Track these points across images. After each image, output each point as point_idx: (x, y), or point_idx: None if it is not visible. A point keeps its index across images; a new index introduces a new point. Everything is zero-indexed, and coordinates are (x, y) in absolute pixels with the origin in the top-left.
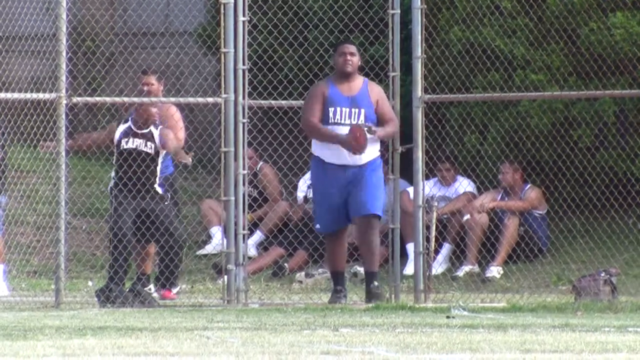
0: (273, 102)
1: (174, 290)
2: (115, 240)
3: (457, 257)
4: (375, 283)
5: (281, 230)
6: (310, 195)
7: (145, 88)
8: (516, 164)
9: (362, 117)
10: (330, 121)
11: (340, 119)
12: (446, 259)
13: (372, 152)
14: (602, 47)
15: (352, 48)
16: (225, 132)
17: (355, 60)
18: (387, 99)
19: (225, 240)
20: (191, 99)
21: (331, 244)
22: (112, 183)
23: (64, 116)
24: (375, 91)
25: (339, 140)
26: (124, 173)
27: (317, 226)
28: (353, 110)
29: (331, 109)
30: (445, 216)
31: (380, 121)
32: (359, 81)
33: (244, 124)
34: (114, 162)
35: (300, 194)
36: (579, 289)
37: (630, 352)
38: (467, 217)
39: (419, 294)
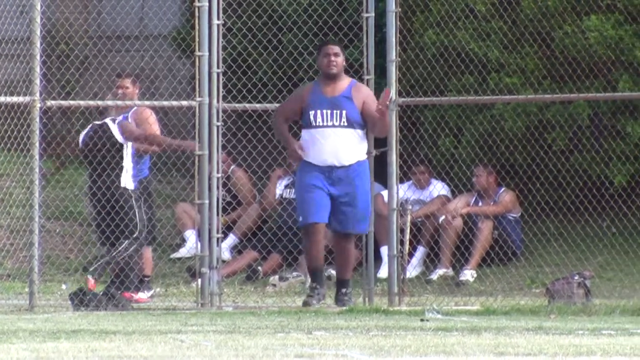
0: (247, 105)
1: (148, 294)
2: (138, 245)
3: (432, 261)
4: (344, 290)
5: (255, 234)
6: (286, 195)
7: (120, 91)
8: (490, 167)
9: (344, 119)
10: (312, 124)
11: (322, 122)
12: (420, 262)
13: (358, 153)
14: (577, 51)
15: (336, 48)
16: (199, 135)
17: (340, 60)
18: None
19: (199, 244)
20: (166, 103)
21: (307, 239)
22: (135, 182)
23: (38, 119)
24: (362, 93)
25: (286, 144)
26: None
27: (300, 219)
28: (334, 112)
29: (311, 112)
30: (419, 219)
31: (370, 123)
32: (344, 82)
33: (218, 127)
34: (131, 161)
35: (276, 192)
36: (552, 292)
37: (604, 354)
38: (442, 217)
39: (393, 297)
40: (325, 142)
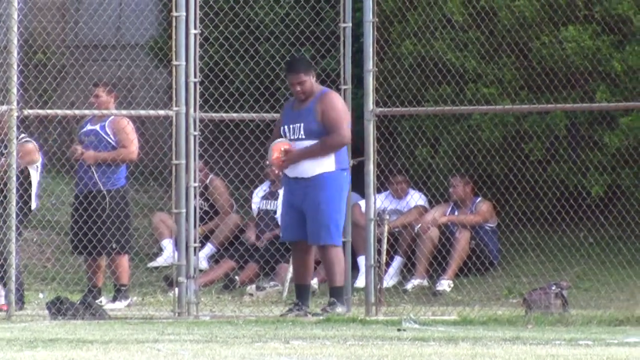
0: (224, 114)
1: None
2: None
3: (409, 270)
4: (331, 300)
5: (232, 243)
6: (263, 206)
7: (93, 100)
8: (467, 177)
9: (301, 131)
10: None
11: (288, 136)
12: (397, 272)
13: (321, 165)
14: (554, 61)
15: (299, 77)
16: (176, 144)
17: (307, 86)
18: (336, 108)
19: (176, 253)
20: (143, 112)
21: (293, 254)
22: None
23: (15, 128)
24: (323, 103)
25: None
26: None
27: (281, 235)
28: (295, 125)
29: (282, 128)
30: (396, 229)
31: (326, 133)
32: (314, 94)
33: (195, 136)
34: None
35: (254, 207)
36: (529, 302)
37: None
38: (418, 226)
39: (370, 307)
40: None
